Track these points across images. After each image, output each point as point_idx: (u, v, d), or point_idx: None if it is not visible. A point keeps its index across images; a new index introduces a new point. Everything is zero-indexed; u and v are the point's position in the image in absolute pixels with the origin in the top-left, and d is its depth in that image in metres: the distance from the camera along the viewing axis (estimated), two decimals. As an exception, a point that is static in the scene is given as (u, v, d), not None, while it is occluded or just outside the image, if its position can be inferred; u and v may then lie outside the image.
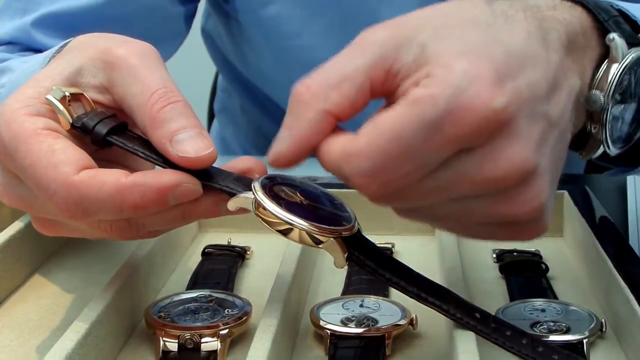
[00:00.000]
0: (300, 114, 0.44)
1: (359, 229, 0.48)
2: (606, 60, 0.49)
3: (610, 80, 0.49)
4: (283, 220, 0.46)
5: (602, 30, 0.50)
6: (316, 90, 0.44)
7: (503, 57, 0.42)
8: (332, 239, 0.46)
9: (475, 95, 0.40)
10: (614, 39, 0.49)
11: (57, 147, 0.47)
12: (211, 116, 1.33)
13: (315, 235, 0.46)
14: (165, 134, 0.47)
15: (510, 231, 0.45)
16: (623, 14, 0.51)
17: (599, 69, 0.49)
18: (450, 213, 0.44)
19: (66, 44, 0.55)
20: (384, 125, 0.41)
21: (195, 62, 1.43)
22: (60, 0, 0.85)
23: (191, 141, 0.47)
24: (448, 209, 0.44)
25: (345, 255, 0.47)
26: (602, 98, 0.48)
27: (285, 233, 0.46)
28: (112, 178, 0.46)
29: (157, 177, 0.46)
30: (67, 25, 0.83)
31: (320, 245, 0.47)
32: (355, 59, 0.44)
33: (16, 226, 0.62)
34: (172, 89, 0.48)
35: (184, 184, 0.46)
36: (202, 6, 1.05)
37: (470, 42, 0.42)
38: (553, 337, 0.50)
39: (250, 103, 1.10)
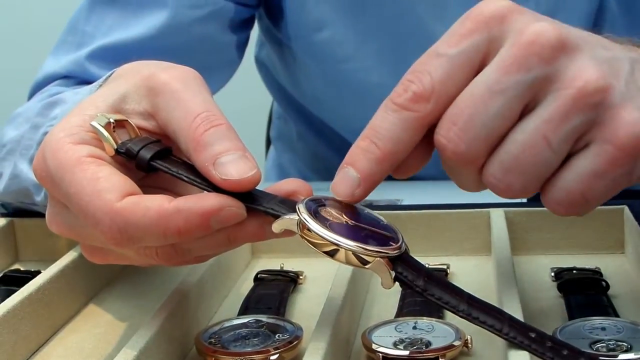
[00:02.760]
0: None
1: (406, 249, 0.47)
2: None
3: None
4: (329, 241, 0.45)
5: None
6: None
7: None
8: (378, 259, 0.46)
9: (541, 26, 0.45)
10: None
11: (101, 175, 0.47)
12: (269, 144, 1.33)
13: (361, 256, 0.45)
14: (208, 157, 0.47)
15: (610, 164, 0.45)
16: None
17: None
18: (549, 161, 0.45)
19: (112, 73, 0.55)
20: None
21: (251, 90, 1.44)
22: (113, 33, 0.87)
23: (234, 164, 0.46)
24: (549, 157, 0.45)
25: (393, 276, 0.46)
26: None
27: (331, 254, 0.46)
28: (156, 204, 0.46)
29: (200, 201, 0.46)
30: (120, 57, 0.84)
31: (367, 266, 0.46)
32: None
33: (70, 256, 0.62)
34: (214, 112, 0.48)
35: (228, 207, 0.46)
36: (255, 35, 1.05)
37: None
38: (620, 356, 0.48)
39: (305, 129, 1.10)
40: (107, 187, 0.46)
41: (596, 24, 0.88)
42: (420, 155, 0.48)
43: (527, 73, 0.45)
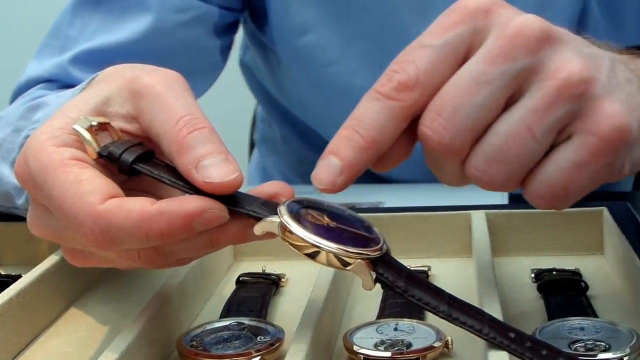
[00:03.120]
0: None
1: (387, 250, 0.48)
2: None
3: None
4: (310, 243, 0.46)
5: None
6: None
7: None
8: (359, 260, 0.46)
9: (525, 19, 0.46)
10: None
11: (84, 177, 0.47)
12: (252, 147, 1.33)
13: (342, 258, 0.46)
14: (190, 160, 0.47)
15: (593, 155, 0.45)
16: None
17: None
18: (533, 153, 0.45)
19: (95, 76, 0.55)
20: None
21: (235, 94, 1.44)
22: (96, 37, 0.87)
23: (216, 167, 0.47)
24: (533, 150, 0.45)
25: (374, 277, 0.46)
26: None
27: (312, 256, 0.46)
28: (138, 206, 0.46)
29: (183, 203, 0.46)
30: (104, 61, 0.83)
31: (347, 268, 0.46)
32: None
33: (51, 260, 0.62)
34: (197, 115, 0.48)
35: (210, 209, 0.46)
36: (239, 39, 1.06)
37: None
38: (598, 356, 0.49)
39: (289, 132, 1.11)
40: (89, 189, 0.46)
41: (578, 29, 0.89)
42: (402, 148, 0.48)
43: (512, 64, 0.45)
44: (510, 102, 0.46)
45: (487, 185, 0.47)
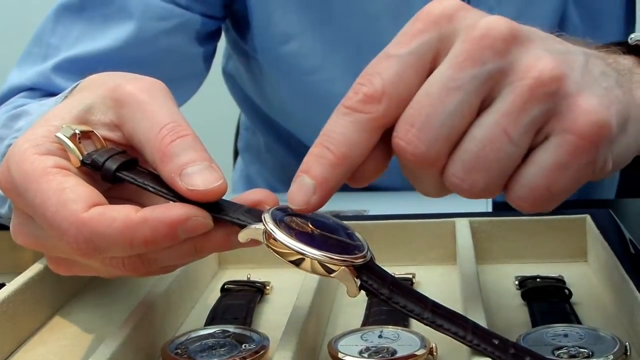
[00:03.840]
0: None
1: (372, 257, 0.48)
2: None
3: None
4: (294, 250, 0.46)
5: None
6: None
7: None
8: (343, 267, 0.46)
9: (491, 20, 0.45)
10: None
11: (67, 185, 0.47)
12: (236, 155, 1.33)
13: (327, 265, 0.46)
14: (174, 168, 0.47)
15: (574, 155, 0.44)
16: None
17: None
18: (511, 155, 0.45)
19: (78, 84, 0.55)
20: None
21: (219, 102, 1.44)
22: (79, 45, 0.87)
23: (200, 174, 0.47)
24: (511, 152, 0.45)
25: (358, 284, 0.46)
26: None
27: (297, 263, 0.46)
28: (122, 214, 0.46)
29: (167, 211, 0.46)
30: (86, 69, 0.83)
31: (332, 275, 0.46)
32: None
33: (36, 268, 0.62)
34: (180, 123, 0.48)
35: (194, 217, 0.46)
36: (222, 48, 1.06)
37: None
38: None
39: (273, 140, 1.11)
40: (73, 197, 0.46)
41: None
42: (377, 162, 0.47)
43: (481, 67, 0.44)
44: (483, 106, 0.45)
45: (468, 193, 0.46)
